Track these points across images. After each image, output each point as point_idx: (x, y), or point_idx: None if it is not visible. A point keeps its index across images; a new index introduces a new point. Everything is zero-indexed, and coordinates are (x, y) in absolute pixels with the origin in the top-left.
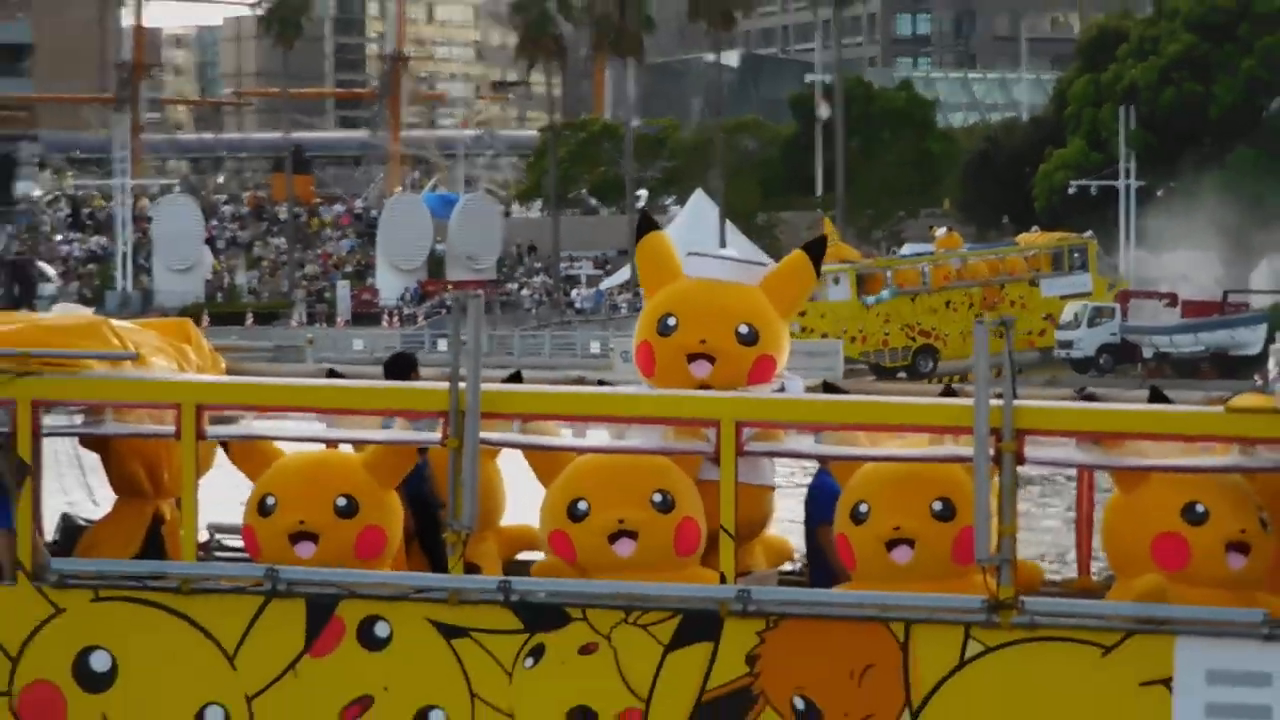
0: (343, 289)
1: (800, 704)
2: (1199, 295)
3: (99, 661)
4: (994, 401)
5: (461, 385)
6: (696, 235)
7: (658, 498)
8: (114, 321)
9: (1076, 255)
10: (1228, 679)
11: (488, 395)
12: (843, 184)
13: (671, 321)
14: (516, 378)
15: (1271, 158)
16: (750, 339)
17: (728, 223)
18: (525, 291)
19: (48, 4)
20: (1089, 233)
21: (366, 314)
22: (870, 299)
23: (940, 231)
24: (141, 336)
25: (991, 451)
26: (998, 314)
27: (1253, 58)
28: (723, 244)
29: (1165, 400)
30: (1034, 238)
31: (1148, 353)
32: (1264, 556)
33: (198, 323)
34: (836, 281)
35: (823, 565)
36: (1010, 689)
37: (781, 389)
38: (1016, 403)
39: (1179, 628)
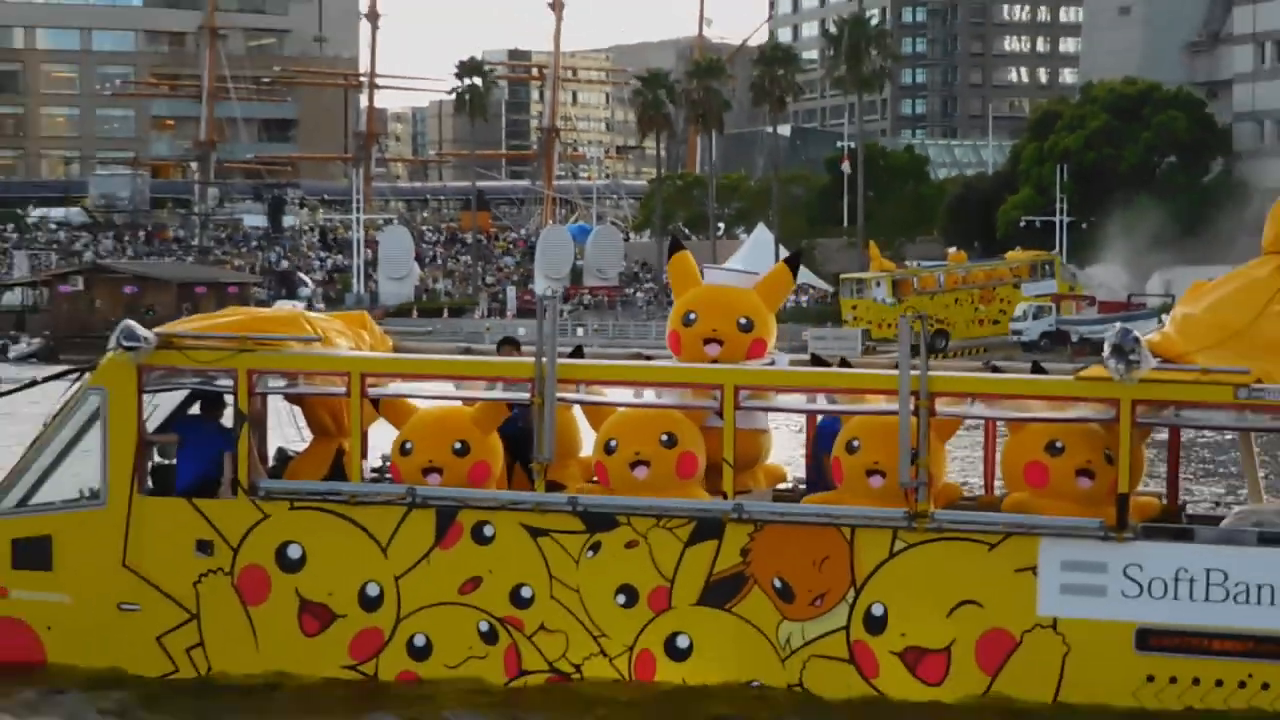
0: (510, 292)
1: (778, 583)
2: (1110, 298)
3: (293, 551)
4: (921, 372)
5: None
6: (758, 255)
7: (664, 437)
8: (309, 313)
9: (1047, 266)
10: (1076, 567)
11: (561, 367)
12: (862, 219)
13: (692, 316)
14: (578, 353)
15: (1162, 203)
16: (748, 328)
17: (780, 246)
18: (639, 295)
19: (308, 90)
20: (1055, 250)
21: (527, 309)
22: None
23: (951, 250)
24: (330, 325)
25: (914, 406)
26: (993, 309)
27: (1150, 131)
28: (775, 261)
29: (1043, 372)
30: (1017, 255)
31: (1074, 338)
32: (1106, 480)
33: (380, 318)
34: (877, 285)
35: (827, 484)
36: (925, 573)
37: (771, 362)
38: (930, 374)
39: (1042, 531)
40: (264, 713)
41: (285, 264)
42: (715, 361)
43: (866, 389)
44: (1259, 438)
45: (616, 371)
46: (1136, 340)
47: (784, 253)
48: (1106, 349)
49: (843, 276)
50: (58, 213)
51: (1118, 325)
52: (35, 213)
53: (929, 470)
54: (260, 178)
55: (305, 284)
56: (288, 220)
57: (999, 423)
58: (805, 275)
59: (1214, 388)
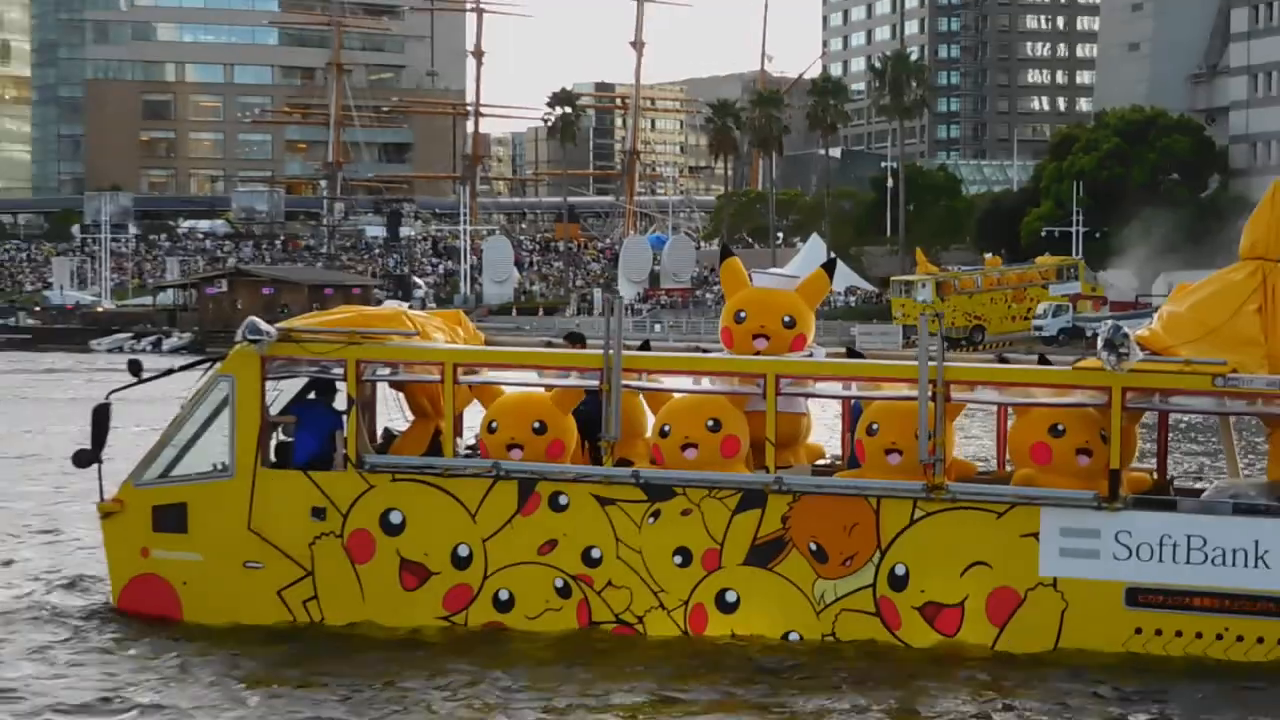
0: (597, 294)
1: (814, 546)
2: (1121, 299)
3: (395, 517)
4: (939, 363)
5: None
6: (812, 261)
7: (710, 423)
8: (410, 311)
9: (1072, 270)
10: (1073, 533)
11: (625, 358)
12: (903, 230)
13: (742, 315)
14: (646, 346)
15: (1167, 215)
16: (791, 324)
17: (831, 254)
18: (709, 296)
19: (421, 118)
20: (1079, 255)
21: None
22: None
23: (988, 255)
24: (429, 321)
25: (931, 393)
26: (1023, 307)
27: (1156, 153)
28: (829, 269)
29: (1048, 364)
30: (1045, 259)
31: (1089, 334)
32: (1102, 458)
33: (483, 316)
34: (923, 286)
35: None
36: (940, 538)
37: (810, 354)
38: (945, 364)
39: (1042, 502)
40: (363, 659)
41: (402, 269)
42: (761, 354)
43: (890, 378)
44: (1236, 420)
45: (673, 362)
46: (1125, 335)
47: (838, 263)
48: (1100, 343)
49: (892, 279)
50: (204, 224)
51: (1109, 322)
52: (185, 224)
53: (944, 448)
54: (380, 194)
55: (419, 286)
56: (404, 231)
57: (1009, 408)
58: (852, 278)
59: (1195, 377)
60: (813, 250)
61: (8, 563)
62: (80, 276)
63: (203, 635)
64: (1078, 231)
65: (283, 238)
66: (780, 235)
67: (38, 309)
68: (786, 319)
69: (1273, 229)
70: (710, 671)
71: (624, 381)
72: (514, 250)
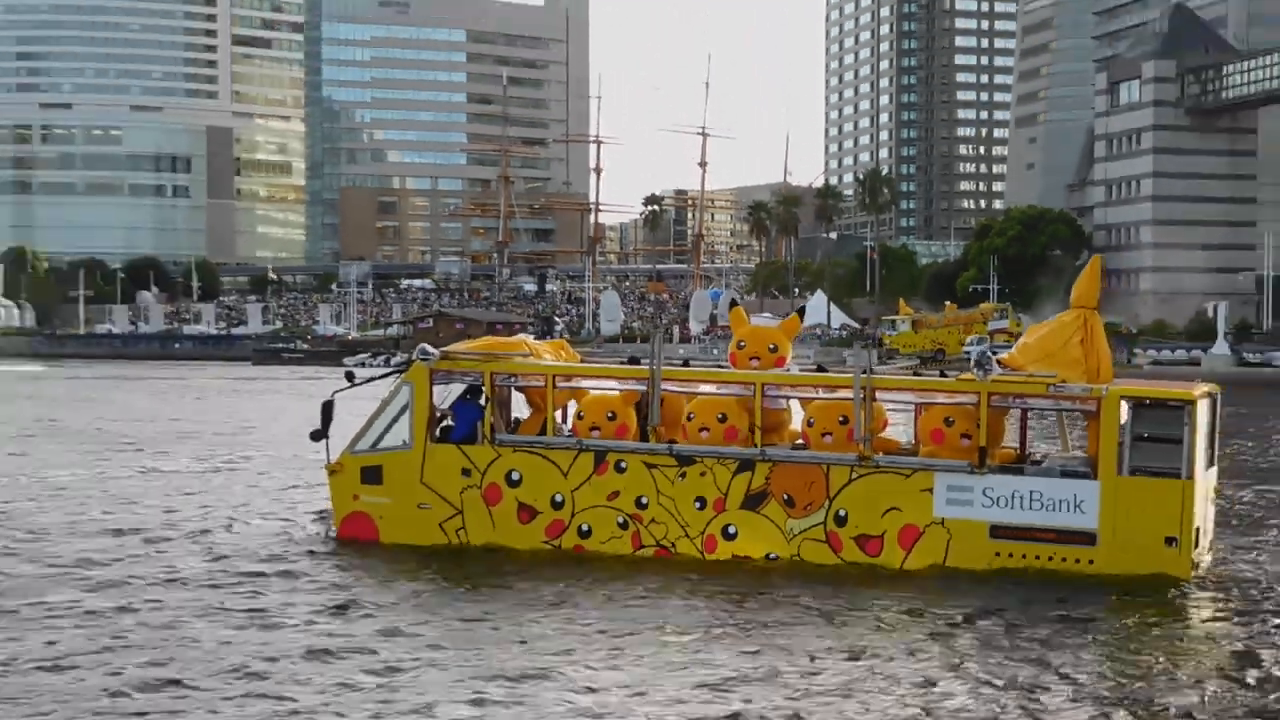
0: (675, 330)
1: (786, 496)
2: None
3: (515, 475)
4: (868, 374)
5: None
6: (818, 307)
7: (719, 416)
8: (528, 339)
9: (1002, 313)
10: (955, 489)
11: (665, 372)
12: (878, 288)
13: (742, 344)
14: (686, 364)
15: (1052, 278)
16: (774, 350)
17: (831, 303)
18: None
19: (560, 212)
20: (1005, 305)
21: (685, 339)
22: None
23: (947, 303)
24: (542, 346)
25: (863, 395)
26: (968, 334)
27: (1044, 237)
28: (828, 316)
29: (945, 376)
30: (986, 306)
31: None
32: (976, 440)
33: (600, 345)
34: (902, 323)
35: None
36: (868, 491)
37: (787, 370)
38: (873, 375)
39: (936, 468)
40: (493, 566)
41: (547, 312)
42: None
43: (838, 384)
44: (1066, 415)
45: (697, 375)
46: (988, 357)
47: (834, 309)
48: (972, 363)
49: (882, 318)
50: (418, 282)
51: (978, 348)
52: (405, 283)
53: (871, 431)
54: (533, 263)
55: (558, 324)
56: (549, 287)
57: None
58: (844, 319)
59: (1035, 385)
60: (818, 301)
61: (269, 504)
62: (336, 317)
63: (391, 552)
64: (994, 289)
65: (468, 291)
66: (796, 290)
67: (309, 338)
68: (771, 346)
69: (1090, 288)
70: (717, 575)
71: (664, 387)
72: (620, 300)
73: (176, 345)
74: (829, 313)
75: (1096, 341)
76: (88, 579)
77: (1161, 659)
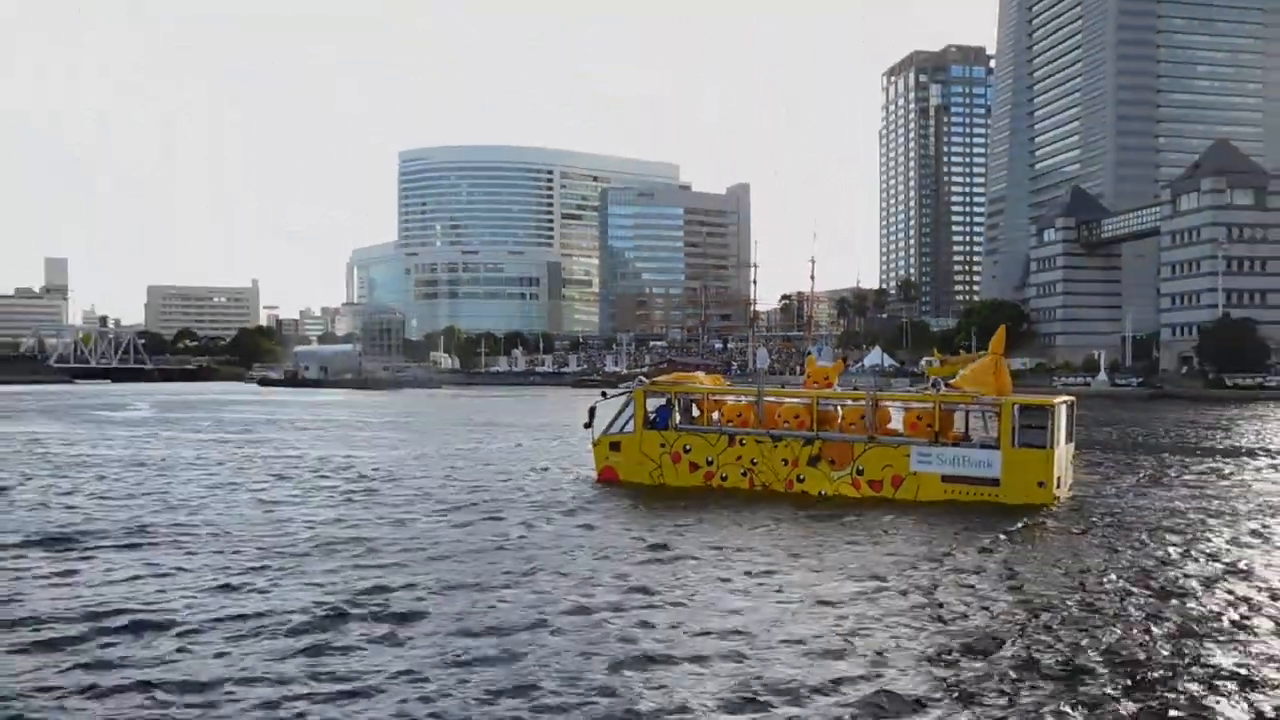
0: (799, 367)
1: (831, 460)
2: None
3: (687, 447)
4: (874, 390)
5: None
6: (874, 356)
7: (795, 416)
8: (700, 375)
9: (977, 357)
10: (922, 454)
11: (767, 391)
12: (909, 345)
13: (807, 373)
14: (783, 386)
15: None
16: (827, 380)
17: (884, 354)
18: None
19: (734, 306)
20: (980, 353)
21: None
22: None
23: (935, 351)
24: (706, 378)
25: (871, 402)
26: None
27: (1001, 315)
28: (882, 360)
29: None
30: (966, 355)
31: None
32: (934, 428)
33: (755, 376)
34: (935, 361)
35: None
36: (875, 455)
37: (834, 390)
38: (877, 393)
39: (911, 443)
40: (678, 496)
41: (727, 359)
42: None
43: (858, 398)
44: (986, 414)
45: (784, 393)
46: (939, 382)
47: (885, 356)
48: (931, 386)
49: (924, 360)
50: (658, 343)
51: (935, 379)
52: (651, 343)
53: (877, 423)
54: (720, 332)
55: (733, 365)
56: (729, 345)
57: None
58: (890, 361)
59: (965, 397)
60: (875, 353)
61: (545, 467)
62: (615, 360)
63: (626, 489)
64: (974, 344)
65: (685, 348)
66: (864, 347)
67: (600, 373)
68: (825, 377)
69: (998, 344)
70: (793, 507)
71: (766, 400)
72: (767, 353)
73: (532, 378)
74: (882, 358)
75: (1001, 373)
76: (489, 501)
77: (1030, 539)
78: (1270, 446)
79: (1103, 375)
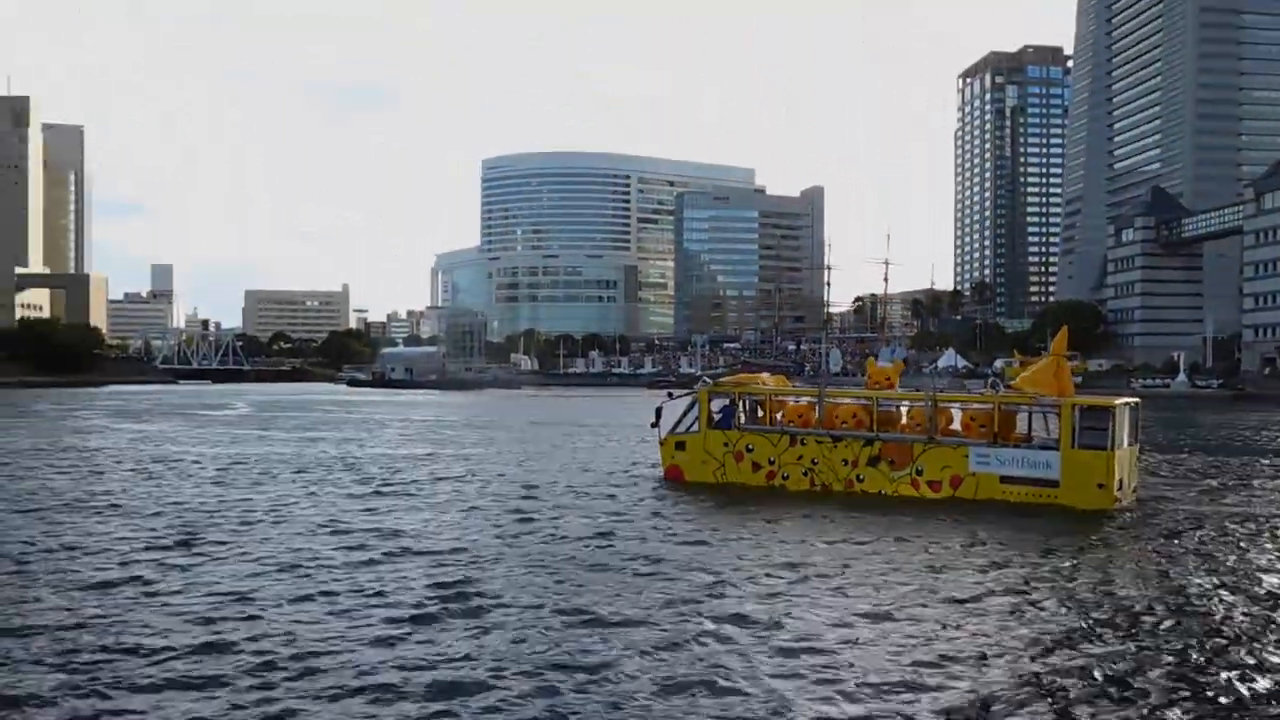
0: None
1: (891, 460)
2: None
3: (750, 446)
4: (934, 391)
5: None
6: (949, 358)
7: (853, 416)
8: (765, 375)
9: (1074, 356)
10: (981, 455)
11: (829, 392)
12: (982, 345)
13: (868, 374)
14: (838, 386)
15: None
16: (889, 380)
17: (957, 355)
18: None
19: (807, 308)
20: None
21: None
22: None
23: (1015, 353)
24: (770, 380)
25: (930, 403)
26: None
27: (1078, 317)
28: (956, 361)
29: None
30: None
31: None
32: (991, 429)
33: (827, 378)
34: (1014, 363)
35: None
36: (934, 456)
37: (895, 390)
38: (937, 394)
39: (970, 444)
40: (740, 494)
41: (800, 360)
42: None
43: (918, 399)
44: (1047, 415)
45: (844, 393)
46: (998, 380)
47: (959, 358)
48: (990, 385)
49: (1005, 361)
50: (732, 345)
51: (993, 379)
52: (725, 345)
53: (935, 422)
54: (793, 334)
55: (805, 366)
56: (802, 347)
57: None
58: (964, 362)
59: (1024, 398)
60: (949, 354)
61: (639, 454)
62: (691, 362)
63: (691, 487)
64: (1048, 346)
65: (758, 349)
66: (938, 349)
67: (676, 374)
68: (887, 378)
69: (1060, 345)
70: (855, 509)
71: (828, 399)
72: (840, 354)
73: (609, 379)
74: (956, 360)
75: (1062, 374)
76: (561, 495)
77: (1088, 541)
78: None
79: (1182, 377)
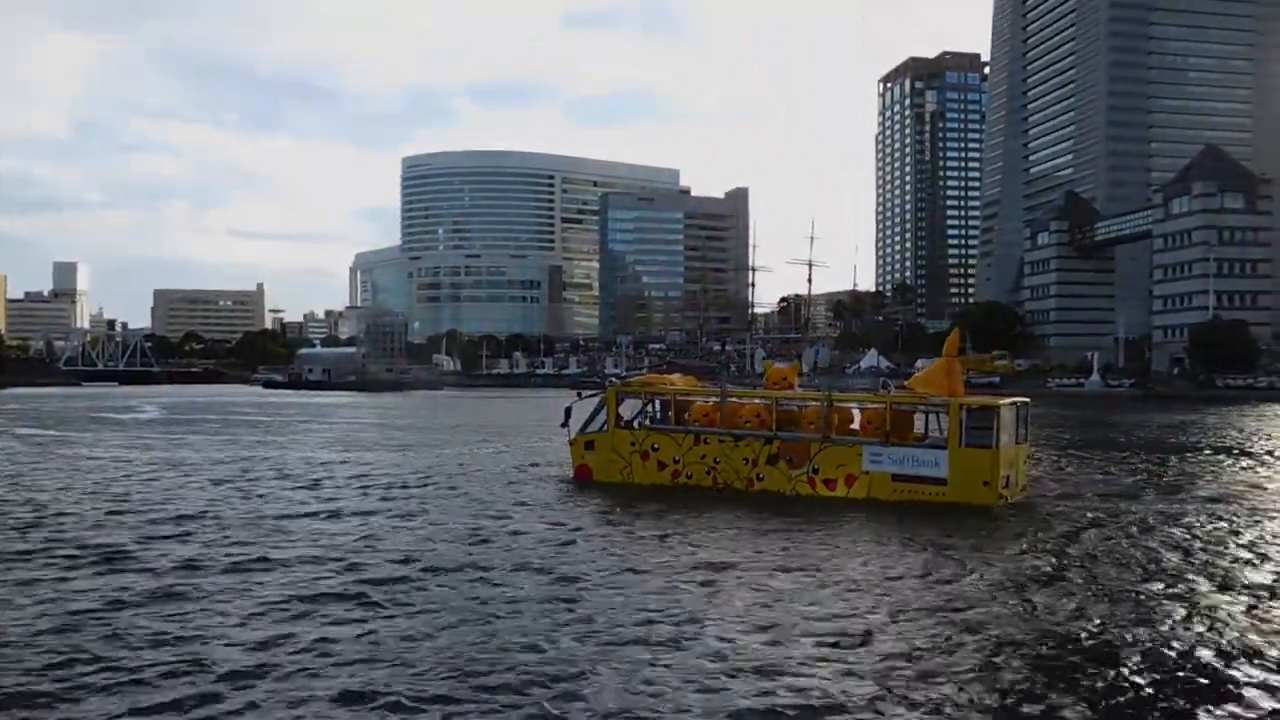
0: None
1: (789, 458)
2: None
3: (655, 445)
4: (828, 392)
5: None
6: (872, 359)
7: (757, 415)
8: (674, 376)
9: (1000, 356)
10: (874, 454)
11: (732, 392)
12: (901, 348)
13: (768, 374)
14: (753, 388)
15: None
16: (785, 380)
17: (880, 356)
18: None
19: (734, 308)
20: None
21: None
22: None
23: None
24: (678, 379)
25: (826, 403)
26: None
27: (995, 317)
28: (878, 361)
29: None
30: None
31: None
32: (884, 429)
33: (754, 381)
34: (924, 364)
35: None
36: (830, 455)
37: (796, 390)
38: (833, 393)
39: (864, 442)
40: (657, 492)
41: (725, 361)
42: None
43: (814, 399)
44: (935, 414)
45: (747, 394)
46: (888, 384)
47: (882, 358)
48: (882, 386)
49: (919, 362)
50: (657, 346)
51: (884, 380)
52: (650, 346)
53: (830, 421)
54: (718, 335)
55: (731, 367)
56: (727, 348)
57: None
58: (886, 362)
59: (913, 397)
60: (871, 355)
61: (528, 463)
62: (615, 363)
63: (599, 487)
64: (969, 347)
65: (683, 350)
66: (861, 349)
67: (600, 376)
68: (785, 378)
69: (952, 347)
70: (754, 504)
71: (731, 401)
72: (765, 354)
73: (532, 380)
74: (878, 360)
75: (953, 374)
76: (481, 498)
77: (970, 534)
78: (1251, 449)
79: (1096, 376)
